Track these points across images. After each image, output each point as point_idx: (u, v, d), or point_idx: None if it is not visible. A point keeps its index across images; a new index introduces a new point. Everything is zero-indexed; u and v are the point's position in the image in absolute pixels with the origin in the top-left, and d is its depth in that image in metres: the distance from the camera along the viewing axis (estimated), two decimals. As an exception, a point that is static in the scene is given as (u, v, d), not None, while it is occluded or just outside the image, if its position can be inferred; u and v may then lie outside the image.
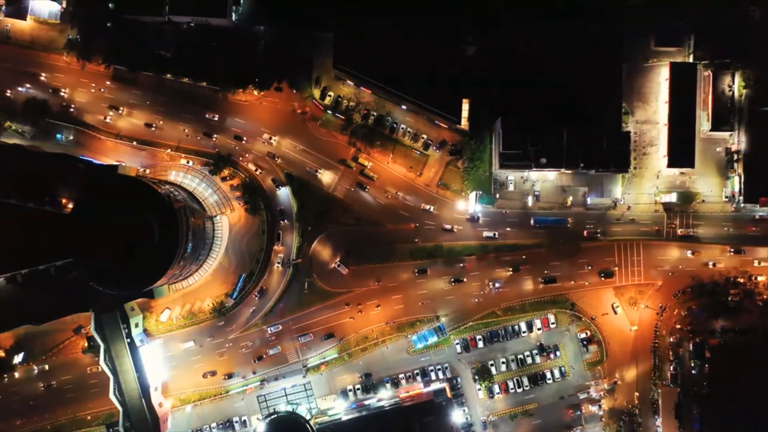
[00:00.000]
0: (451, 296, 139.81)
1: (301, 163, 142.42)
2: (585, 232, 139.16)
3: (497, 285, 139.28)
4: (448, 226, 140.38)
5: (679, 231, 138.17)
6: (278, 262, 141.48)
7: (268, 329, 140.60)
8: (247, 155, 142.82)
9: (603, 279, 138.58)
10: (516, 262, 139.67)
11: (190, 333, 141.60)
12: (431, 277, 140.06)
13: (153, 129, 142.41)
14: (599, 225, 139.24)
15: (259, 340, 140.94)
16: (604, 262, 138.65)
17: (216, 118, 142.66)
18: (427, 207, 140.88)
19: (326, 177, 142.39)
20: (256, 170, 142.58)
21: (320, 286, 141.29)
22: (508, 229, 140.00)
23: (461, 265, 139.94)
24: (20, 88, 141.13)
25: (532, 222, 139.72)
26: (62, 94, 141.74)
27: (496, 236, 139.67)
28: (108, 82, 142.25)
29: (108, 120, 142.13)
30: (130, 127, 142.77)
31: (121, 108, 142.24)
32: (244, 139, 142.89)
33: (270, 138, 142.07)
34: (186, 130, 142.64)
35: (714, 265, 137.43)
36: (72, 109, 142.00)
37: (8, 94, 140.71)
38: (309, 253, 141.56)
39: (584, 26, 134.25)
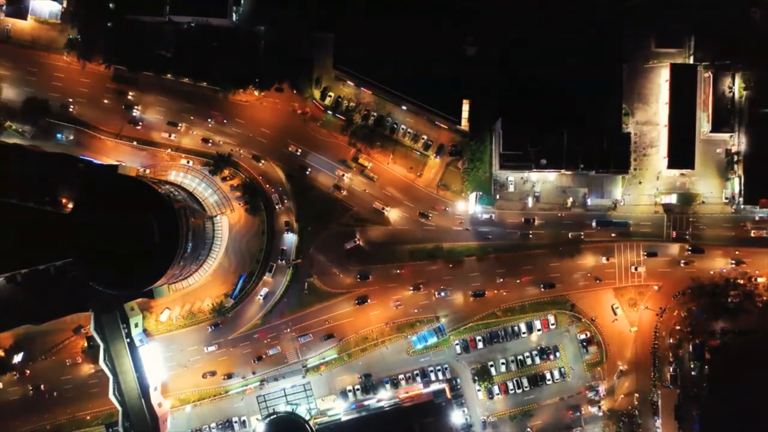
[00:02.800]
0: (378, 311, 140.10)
1: (369, 198, 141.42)
2: (673, 234, 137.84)
3: (443, 294, 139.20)
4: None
5: (752, 233, 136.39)
6: (261, 295, 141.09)
7: (206, 349, 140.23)
8: (286, 202, 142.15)
9: (542, 290, 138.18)
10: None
11: (193, 333, 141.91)
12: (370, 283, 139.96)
13: (209, 144, 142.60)
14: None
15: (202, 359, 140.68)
16: (602, 263, 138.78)
17: (299, 152, 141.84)
18: (487, 216, 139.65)
19: (393, 214, 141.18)
20: (276, 204, 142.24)
21: (320, 286, 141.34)
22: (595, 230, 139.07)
23: (398, 271, 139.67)
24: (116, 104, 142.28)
25: (593, 224, 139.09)
26: (135, 112, 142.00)
27: (582, 236, 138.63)
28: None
29: (173, 137, 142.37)
30: (192, 142, 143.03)
31: (180, 124, 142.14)
32: (309, 170, 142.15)
33: (343, 175, 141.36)
34: (241, 150, 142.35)
35: None
36: (139, 127, 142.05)
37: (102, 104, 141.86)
38: (309, 254, 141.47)
39: (584, 26, 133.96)
